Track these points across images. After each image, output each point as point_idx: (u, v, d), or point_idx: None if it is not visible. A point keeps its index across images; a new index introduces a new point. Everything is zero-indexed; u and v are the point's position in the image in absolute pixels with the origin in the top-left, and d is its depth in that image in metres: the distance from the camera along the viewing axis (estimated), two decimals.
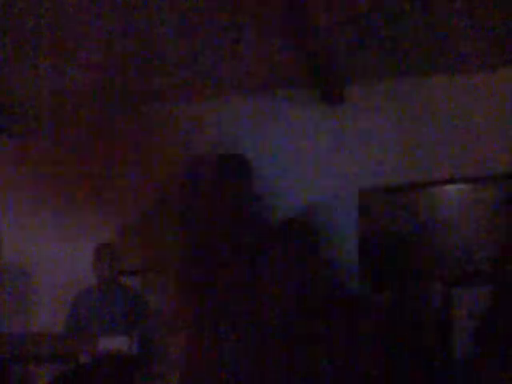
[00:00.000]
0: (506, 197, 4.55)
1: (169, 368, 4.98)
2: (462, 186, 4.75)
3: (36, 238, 5.60)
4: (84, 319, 4.57)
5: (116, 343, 3.95)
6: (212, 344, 2.14)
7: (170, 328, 5.05)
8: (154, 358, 4.62)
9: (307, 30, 4.19)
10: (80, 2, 4.05)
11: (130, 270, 4.45)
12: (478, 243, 4.51)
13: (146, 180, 5.31)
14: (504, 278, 3.77)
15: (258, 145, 5.22)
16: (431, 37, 4.43)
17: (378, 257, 4.54)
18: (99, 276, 4.65)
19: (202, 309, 2.28)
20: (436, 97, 4.94)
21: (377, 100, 5.05)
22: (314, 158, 5.12)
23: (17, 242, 5.62)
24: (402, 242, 4.63)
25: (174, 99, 5.38)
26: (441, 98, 4.93)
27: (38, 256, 5.56)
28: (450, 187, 4.78)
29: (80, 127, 5.66)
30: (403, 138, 4.95)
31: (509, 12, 4.15)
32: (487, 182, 4.64)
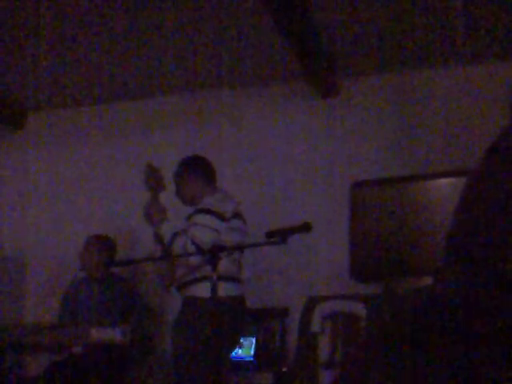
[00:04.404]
0: None
1: (160, 358, 5.02)
2: (455, 179, 4.75)
3: (31, 228, 5.62)
4: (77, 309, 4.59)
5: (109, 334, 3.96)
6: None
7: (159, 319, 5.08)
8: (146, 349, 4.65)
9: (302, 22, 4.19)
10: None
11: (123, 260, 4.45)
12: None
13: None
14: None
15: (254, 138, 5.24)
16: (425, 29, 4.44)
17: (370, 250, 4.54)
18: (88, 267, 4.67)
19: None
20: (430, 90, 4.95)
21: (371, 93, 5.05)
22: (308, 151, 5.13)
23: (12, 233, 5.65)
24: (394, 235, 4.63)
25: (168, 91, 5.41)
26: (435, 90, 4.93)
27: (32, 246, 5.59)
28: (443, 180, 4.78)
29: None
30: (397, 131, 4.96)
31: (504, 6, 4.16)
32: None
